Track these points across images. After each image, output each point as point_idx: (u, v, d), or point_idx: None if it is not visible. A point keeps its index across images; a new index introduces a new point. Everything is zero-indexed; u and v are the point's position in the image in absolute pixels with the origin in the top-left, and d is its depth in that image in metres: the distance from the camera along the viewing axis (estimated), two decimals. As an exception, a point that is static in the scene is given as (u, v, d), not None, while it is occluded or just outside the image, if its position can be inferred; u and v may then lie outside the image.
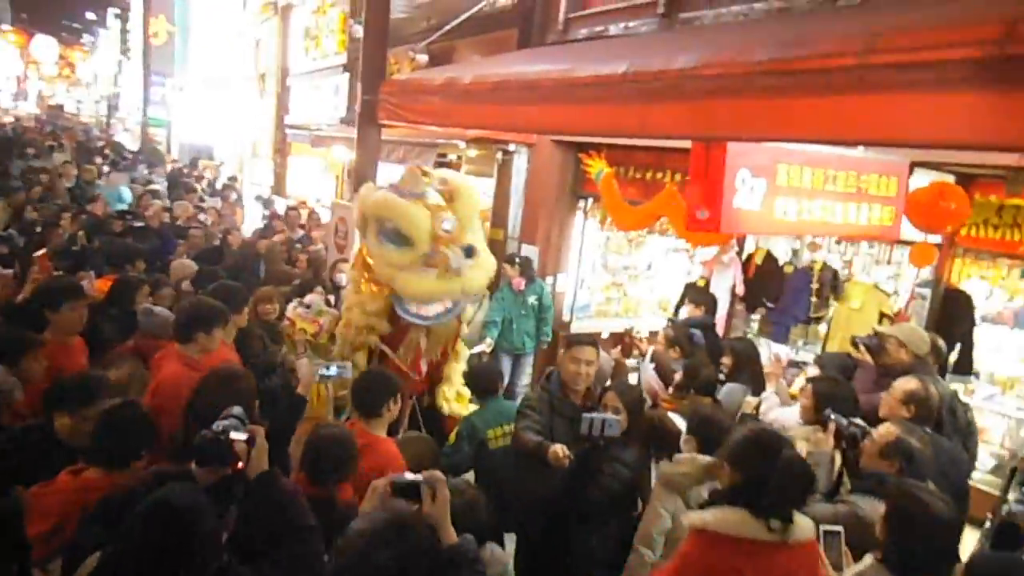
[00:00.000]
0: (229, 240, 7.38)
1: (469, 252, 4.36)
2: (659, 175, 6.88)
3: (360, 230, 4.38)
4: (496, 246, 8.41)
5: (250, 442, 2.15)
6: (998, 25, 2.25)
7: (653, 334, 8.24)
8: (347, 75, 11.63)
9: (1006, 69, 2.22)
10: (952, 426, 4.04)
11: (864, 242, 5.54)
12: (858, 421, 3.23)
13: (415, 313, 4.31)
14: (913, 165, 4.26)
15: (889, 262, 5.32)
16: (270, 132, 15.53)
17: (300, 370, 4.25)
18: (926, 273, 5.10)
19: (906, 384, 3.74)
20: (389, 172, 7.42)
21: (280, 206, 12.21)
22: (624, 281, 8.40)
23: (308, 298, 4.75)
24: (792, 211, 3.74)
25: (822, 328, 5.71)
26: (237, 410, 2.29)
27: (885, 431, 3.05)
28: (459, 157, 9.60)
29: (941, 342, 4.49)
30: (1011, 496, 3.84)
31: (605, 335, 8.07)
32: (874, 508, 2.77)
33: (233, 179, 15.43)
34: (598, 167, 6.98)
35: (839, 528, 2.76)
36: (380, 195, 4.33)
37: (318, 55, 13.18)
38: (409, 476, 1.88)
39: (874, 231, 4.19)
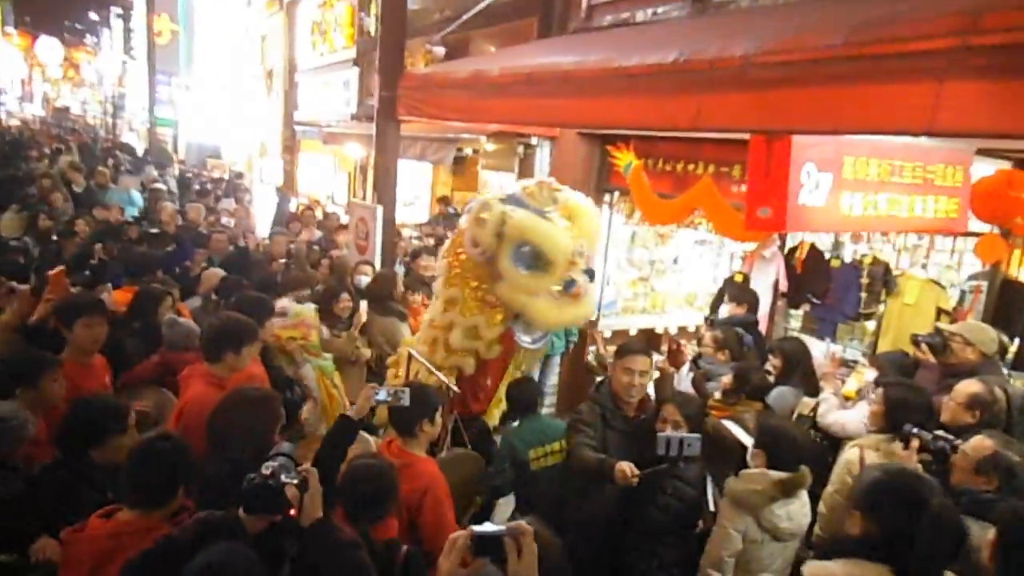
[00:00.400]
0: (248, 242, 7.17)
1: (591, 276, 4.17)
2: (691, 167, 6.59)
3: (488, 248, 3.82)
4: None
5: (302, 487, 1.93)
6: None
7: (682, 330, 8.09)
8: (357, 69, 11.39)
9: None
10: (1022, 429, 3.79)
11: (913, 234, 5.28)
12: (943, 434, 2.98)
13: (529, 339, 4.10)
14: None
15: (952, 252, 5.03)
16: (279, 129, 15.31)
17: (306, 380, 4.04)
18: (977, 265, 4.84)
19: (969, 387, 3.49)
20: (407, 169, 7.20)
21: (292, 205, 12.03)
22: (650, 276, 8.13)
23: (279, 305, 4.41)
24: (858, 206, 3.49)
25: (870, 325, 5.45)
26: (287, 447, 2.07)
27: (979, 444, 2.80)
28: (475, 151, 9.37)
29: (1005, 338, 4.24)
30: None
31: (633, 331, 7.84)
32: (975, 531, 2.53)
33: (240, 176, 15.23)
34: (627, 159, 6.70)
35: None
36: (525, 216, 3.86)
37: (326, 50, 12.92)
38: (490, 528, 1.65)
39: (940, 224, 3.93)
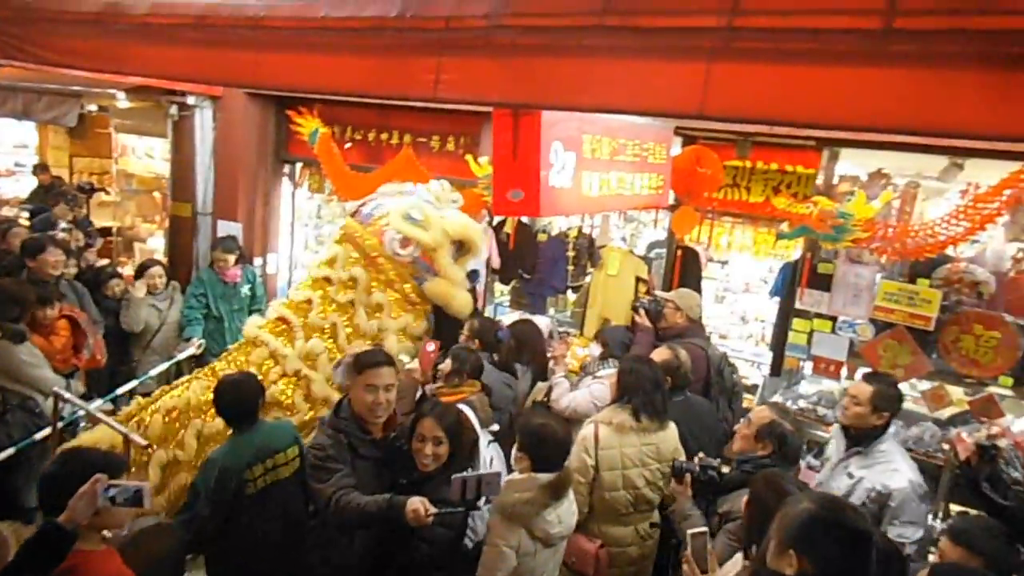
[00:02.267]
0: None
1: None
2: (384, 135, 6.10)
3: (433, 253, 3.83)
4: (183, 224, 6.82)
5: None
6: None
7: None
8: None
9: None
10: (719, 387, 4.23)
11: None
12: (706, 459, 3.06)
13: None
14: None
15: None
16: None
17: None
18: (658, 235, 5.28)
19: (659, 355, 3.73)
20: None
21: None
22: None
23: None
24: (595, 186, 3.39)
25: (570, 296, 5.66)
26: None
27: (761, 413, 3.00)
28: (103, 109, 7.46)
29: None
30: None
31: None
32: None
33: None
34: (312, 126, 5.91)
35: (705, 528, 2.55)
36: (462, 218, 4.11)
37: None
38: None
39: (650, 199, 4.09)
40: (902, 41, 2.03)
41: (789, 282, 4.63)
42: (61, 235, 5.90)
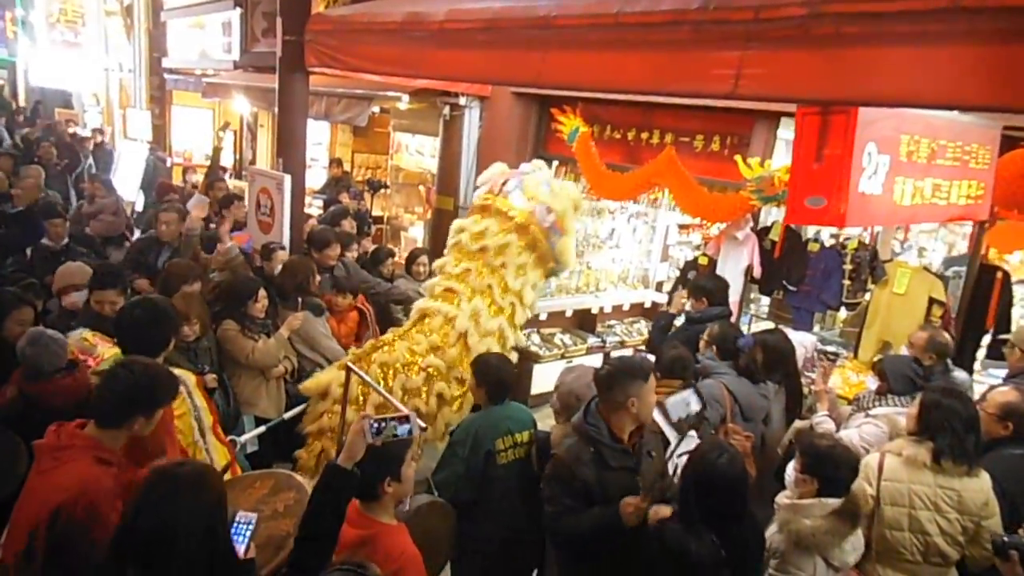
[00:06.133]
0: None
1: None
2: (644, 135, 6.00)
3: (563, 217, 4.33)
4: (446, 217, 7.32)
5: None
6: None
7: (617, 309, 7.58)
8: (239, 10, 9.90)
9: None
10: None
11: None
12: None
13: None
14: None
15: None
16: (144, 77, 13.28)
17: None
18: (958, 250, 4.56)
19: (1001, 396, 3.12)
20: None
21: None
22: (585, 252, 7.52)
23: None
24: (908, 194, 2.97)
25: (842, 314, 5.11)
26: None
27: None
28: (383, 110, 8.29)
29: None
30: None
31: (569, 313, 7.26)
32: None
33: (99, 131, 13.12)
34: (573, 125, 6.01)
35: None
36: (571, 185, 4.71)
37: (199, -16, 11.15)
38: None
39: (967, 211, 3.52)
40: None
41: None
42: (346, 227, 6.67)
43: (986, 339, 4.67)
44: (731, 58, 2.72)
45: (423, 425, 3.46)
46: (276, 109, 5.77)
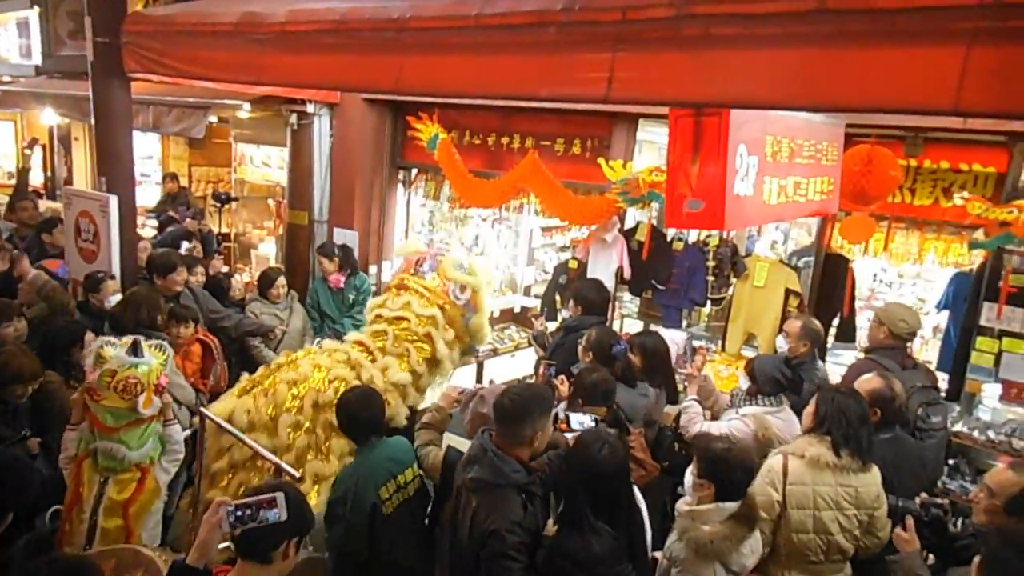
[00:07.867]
0: None
1: None
2: (505, 140, 5.88)
3: (476, 294, 4.46)
4: (299, 232, 6.83)
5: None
6: None
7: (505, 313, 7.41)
8: (37, 9, 8.77)
9: None
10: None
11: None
12: (928, 498, 2.68)
13: None
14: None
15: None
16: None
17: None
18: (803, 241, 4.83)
19: (867, 384, 3.27)
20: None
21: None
22: (453, 261, 7.31)
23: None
24: (775, 192, 3.02)
25: (706, 309, 5.26)
26: None
27: (1005, 480, 2.48)
28: (221, 120, 7.60)
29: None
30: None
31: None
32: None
33: None
34: (431, 132, 5.76)
35: None
36: (484, 262, 4.99)
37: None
38: None
39: (821, 207, 3.68)
40: None
41: (973, 296, 4.10)
42: (186, 250, 6.02)
43: (835, 322, 4.95)
44: (602, 60, 2.62)
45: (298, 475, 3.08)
46: (93, 120, 5.05)
